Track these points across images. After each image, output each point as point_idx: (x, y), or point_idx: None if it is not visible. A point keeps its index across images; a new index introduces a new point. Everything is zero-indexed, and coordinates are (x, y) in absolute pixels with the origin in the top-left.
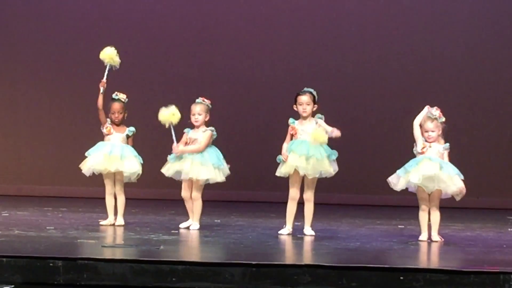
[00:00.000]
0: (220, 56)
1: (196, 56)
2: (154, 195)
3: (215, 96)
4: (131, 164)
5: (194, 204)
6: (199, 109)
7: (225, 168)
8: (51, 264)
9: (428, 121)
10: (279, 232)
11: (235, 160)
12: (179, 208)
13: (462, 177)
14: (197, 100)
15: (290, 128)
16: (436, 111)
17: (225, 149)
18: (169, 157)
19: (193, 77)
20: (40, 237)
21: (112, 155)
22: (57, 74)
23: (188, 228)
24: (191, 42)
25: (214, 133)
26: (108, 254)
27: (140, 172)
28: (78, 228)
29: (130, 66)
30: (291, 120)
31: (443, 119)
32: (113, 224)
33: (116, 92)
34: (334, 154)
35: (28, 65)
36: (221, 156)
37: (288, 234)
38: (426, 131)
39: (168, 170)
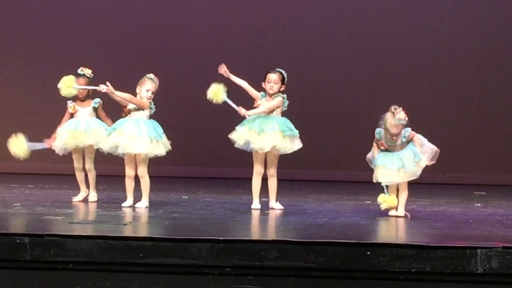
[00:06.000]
0: (174, 33)
1: (148, 33)
2: (121, 172)
3: (179, 71)
4: (96, 136)
5: (142, 181)
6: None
7: (165, 141)
8: (17, 241)
9: (394, 128)
10: (252, 207)
11: (201, 137)
12: None
13: (424, 162)
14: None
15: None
16: (403, 115)
17: (191, 126)
18: (107, 130)
19: (147, 54)
20: (6, 213)
21: (78, 130)
22: (22, 49)
23: (132, 206)
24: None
25: (153, 106)
26: (75, 230)
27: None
28: (45, 204)
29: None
30: (262, 94)
31: (407, 119)
32: (86, 198)
33: (81, 68)
34: (291, 130)
35: None
36: (160, 130)
37: (259, 208)
38: (391, 135)
39: (105, 144)
